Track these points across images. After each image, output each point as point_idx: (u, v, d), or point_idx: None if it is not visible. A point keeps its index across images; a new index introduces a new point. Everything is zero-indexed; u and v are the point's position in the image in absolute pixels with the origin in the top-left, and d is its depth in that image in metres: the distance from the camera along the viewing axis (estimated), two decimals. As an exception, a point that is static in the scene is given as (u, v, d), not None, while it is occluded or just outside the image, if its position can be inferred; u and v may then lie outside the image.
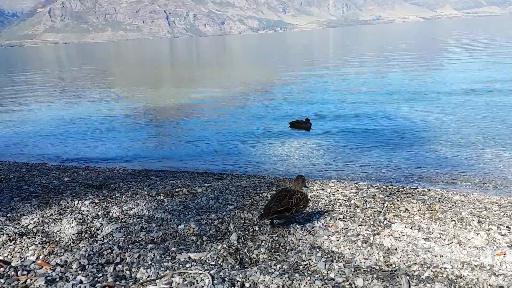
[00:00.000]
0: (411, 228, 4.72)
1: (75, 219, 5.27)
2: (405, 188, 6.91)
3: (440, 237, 4.46)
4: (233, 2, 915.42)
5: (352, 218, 5.18)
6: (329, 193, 6.45)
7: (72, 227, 5.05)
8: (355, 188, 6.79)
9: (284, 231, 4.81)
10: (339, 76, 24.89)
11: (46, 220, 5.33)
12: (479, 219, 4.95)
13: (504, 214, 5.24)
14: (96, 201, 6.08)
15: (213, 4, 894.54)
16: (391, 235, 4.58)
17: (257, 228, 4.90)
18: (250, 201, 5.98)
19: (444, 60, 31.13)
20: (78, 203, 5.98)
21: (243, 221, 5.14)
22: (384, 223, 4.95)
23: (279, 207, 4.55)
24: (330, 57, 44.13)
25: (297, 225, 4.94)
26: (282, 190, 4.81)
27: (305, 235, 4.68)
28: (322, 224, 4.99)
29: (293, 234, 4.72)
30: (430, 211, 5.33)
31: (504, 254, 3.96)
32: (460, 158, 8.73)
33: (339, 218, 5.17)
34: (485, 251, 4.07)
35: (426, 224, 4.84)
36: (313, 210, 5.51)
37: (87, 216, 5.42)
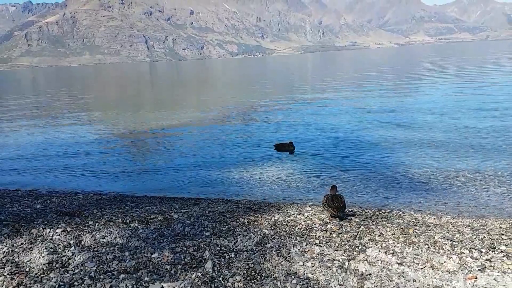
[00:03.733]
0: (385, 252, 4.76)
1: (46, 248, 5.14)
2: (380, 212, 6.99)
3: (414, 261, 4.50)
4: (212, 27, 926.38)
5: (328, 243, 5.20)
6: (306, 218, 6.47)
7: (43, 256, 4.92)
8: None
9: (260, 257, 4.78)
10: (319, 101, 25.24)
11: (16, 250, 5.18)
12: (452, 243, 5.03)
13: (476, 238, 5.34)
14: (69, 229, 5.94)
15: (192, 29, 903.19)
16: (366, 260, 4.61)
17: (233, 255, 4.86)
18: (227, 227, 5.94)
19: (417, 85, 31.99)
20: (49, 232, 5.83)
21: (219, 248, 5.09)
22: (359, 247, 4.98)
23: (340, 204, 6.20)
24: (309, 82, 44.84)
25: (273, 251, 4.93)
26: (333, 196, 6.32)
27: (281, 262, 4.66)
28: (298, 249, 4.99)
29: (269, 260, 4.70)
30: (404, 235, 5.39)
31: (476, 278, 4.03)
32: (434, 182, 8.90)
33: (315, 243, 5.18)
34: (457, 275, 4.13)
35: (400, 249, 4.89)
36: (290, 235, 5.51)
37: (58, 245, 5.28)
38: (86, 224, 6.19)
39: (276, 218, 6.38)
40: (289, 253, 4.88)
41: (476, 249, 4.78)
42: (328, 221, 6.22)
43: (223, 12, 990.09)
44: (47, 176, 11.29)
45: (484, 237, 5.36)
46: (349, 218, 6.40)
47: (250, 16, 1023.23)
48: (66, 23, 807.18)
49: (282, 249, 5.01)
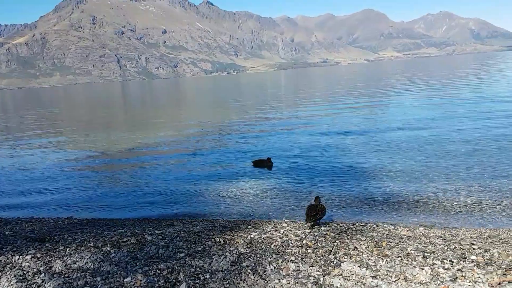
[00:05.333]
0: (360, 266, 4.80)
1: (15, 276, 4.97)
2: (355, 225, 7.06)
3: (387, 274, 4.56)
4: (186, 45, 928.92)
5: (304, 259, 5.21)
6: (282, 234, 6.47)
7: (12, 285, 4.76)
8: (308, 227, 6.86)
9: (235, 277, 4.75)
10: (295, 117, 25.51)
11: (-18, 279, 4.98)
12: (424, 254, 5.11)
13: (447, 248, 5.45)
14: (38, 255, 5.76)
15: (166, 48, 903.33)
16: (341, 274, 4.64)
17: (208, 276, 4.80)
18: (202, 247, 5.88)
19: (387, 99, 32.76)
20: (19, 259, 5.64)
21: (193, 269, 5.03)
22: (334, 262, 5.01)
23: (312, 213, 6.96)
24: (284, 99, 45.30)
25: (249, 270, 4.90)
26: (311, 205, 7.11)
27: (257, 280, 4.64)
28: (274, 267, 4.98)
29: (245, 280, 4.67)
30: (378, 248, 5.45)
31: (447, 288, 4.10)
32: (406, 194, 9.06)
33: (291, 260, 5.18)
34: (429, 287, 4.19)
35: (374, 262, 4.94)
36: (266, 253, 5.49)
37: (28, 272, 5.12)
38: (57, 250, 6.02)
39: (252, 236, 6.36)
40: (264, 271, 4.86)
41: (447, 260, 4.88)
42: (303, 236, 6.24)
43: (196, 31, 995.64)
44: (17, 200, 10.95)
45: (455, 247, 5.47)
46: (321, 229, 6.47)
47: (223, 34, 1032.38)
48: (35, 44, 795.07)
49: (258, 267, 4.99)
